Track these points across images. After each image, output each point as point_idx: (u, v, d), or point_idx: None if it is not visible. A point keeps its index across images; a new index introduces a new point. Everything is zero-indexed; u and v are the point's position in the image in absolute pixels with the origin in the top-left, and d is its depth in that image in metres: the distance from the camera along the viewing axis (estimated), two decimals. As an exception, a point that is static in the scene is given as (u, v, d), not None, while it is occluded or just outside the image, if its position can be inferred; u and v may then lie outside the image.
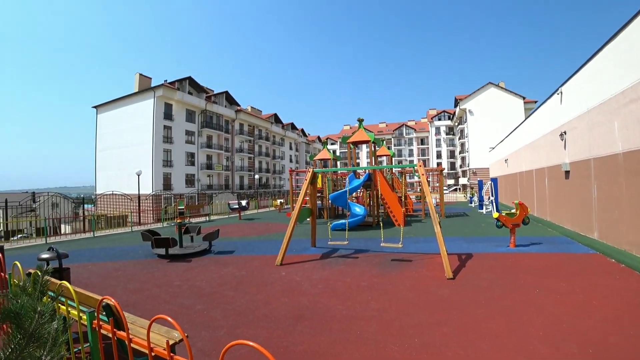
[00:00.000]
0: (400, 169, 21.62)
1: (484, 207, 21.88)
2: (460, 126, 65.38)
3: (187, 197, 40.81)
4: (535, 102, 53.55)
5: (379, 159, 20.57)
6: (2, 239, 15.31)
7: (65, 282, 2.75)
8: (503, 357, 3.64)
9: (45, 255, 4.83)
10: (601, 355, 3.60)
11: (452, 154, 77.16)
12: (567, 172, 11.65)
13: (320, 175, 19.36)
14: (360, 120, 16.66)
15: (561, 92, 12.05)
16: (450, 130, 77.70)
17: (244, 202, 23.03)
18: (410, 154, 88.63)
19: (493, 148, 33.31)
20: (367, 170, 15.40)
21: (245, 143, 56.28)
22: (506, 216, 9.71)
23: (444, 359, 3.66)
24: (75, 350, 3.30)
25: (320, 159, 21.97)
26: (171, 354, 1.77)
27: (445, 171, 70.48)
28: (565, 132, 11.74)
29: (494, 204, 18.67)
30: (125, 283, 7.14)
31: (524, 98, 54.10)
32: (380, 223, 10.53)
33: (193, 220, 21.07)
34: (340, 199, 14.30)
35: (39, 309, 1.41)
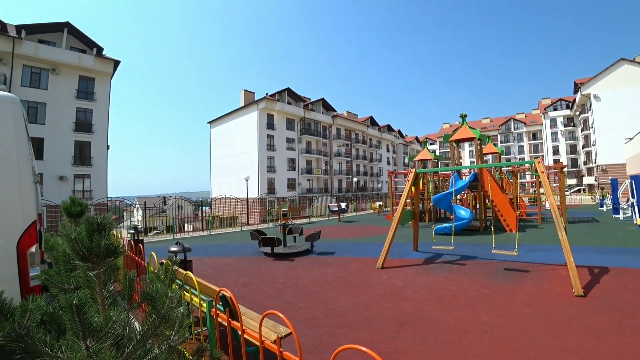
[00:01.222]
0: (511, 168, 19.38)
1: (621, 212, 18.30)
2: (582, 115, 54.73)
3: (289, 200, 43.21)
4: None
5: (485, 158, 18.83)
6: (143, 234, 18.17)
7: (189, 273, 3.07)
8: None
9: (173, 248, 5.53)
10: None
11: (572, 149, 66.07)
12: None
13: (421, 176, 18.58)
14: (464, 117, 15.52)
15: None
16: (569, 122, 66.05)
17: (343, 205, 23.38)
18: (520, 150, 78.27)
19: (631, 139, 27.87)
20: (472, 170, 14.23)
21: (342, 147, 57.30)
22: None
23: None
24: (195, 332, 3.67)
25: (421, 160, 21.09)
26: (281, 350, 1.80)
27: (566, 169, 60.72)
28: None
29: (636, 207, 15.51)
30: (236, 277, 7.79)
31: None
32: (491, 227, 9.57)
33: (295, 221, 22.14)
34: (443, 201, 13.49)
35: (169, 294, 1.56)
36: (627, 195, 17.33)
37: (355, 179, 49.97)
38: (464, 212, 13.84)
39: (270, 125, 44.10)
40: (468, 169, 14.69)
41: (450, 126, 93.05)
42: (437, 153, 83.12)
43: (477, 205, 15.62)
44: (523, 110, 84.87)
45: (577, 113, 58.70)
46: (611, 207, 20.63)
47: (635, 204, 15.67)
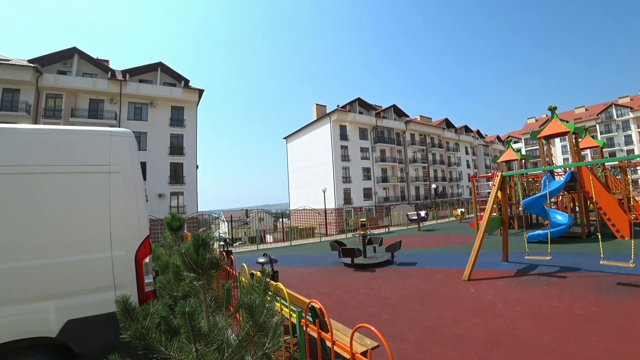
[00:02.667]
0: (618, 163, 16.74)
1: None
2: None
3: (366, 209, 43.01)
4: None
5: (582, 153, 16.62)
6: (232, 245, 19.59)
7: (280, 284, 3.24)
8: None
9: (262, 260, 5.87)
10: None
11: None
12: None
13: (508, 179, 17.14)
14: (553, 109, 13.96)
15: None
16: None
17: (422, 213, 22.55)
18: (628, 141, 65.62)
19: None
20: (569, 169, 12.74)
21: (417, 153, 55.56)
22: None
23: None
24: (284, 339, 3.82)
25: (505, 161, 19.45)
26: (371, 362, 1.80)
27: (695, 165, 50.43)
28: None
29: None
30: (318, 287, 7.95)
31: None
32: (598, 235, 8.43)
33: (373, 231, 21.93)
34: (535, 205, 12.26)
35: (267, 305, 1.68)
36: None
37: (433, 185, 47.97)
38: (560, 217, 12.40)
39: (343, 136, 44.64)
40: (563, 168, 13.12)
41: (536, 120, 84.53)
42: (523, 152, 75.98)
43: (577, 208, 13.88)
44: (627, 93, 71.54)
45: None
46: None
47: None
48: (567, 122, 13.63)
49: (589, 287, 6.62)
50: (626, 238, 8.41)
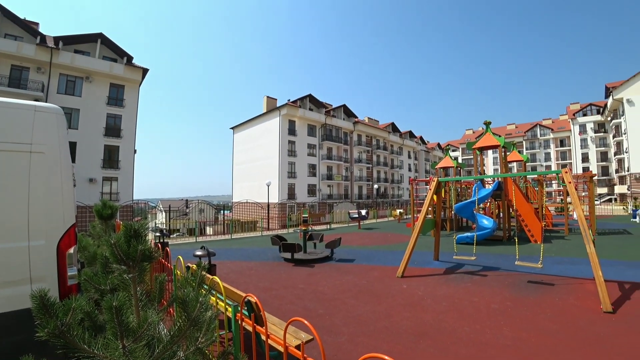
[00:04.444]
0: (537, 176, 18.84)
1: (656, 225, 17.49)
2: (614, 121, 52.48)
3: (309, 206, 43.37)
4: None
5: (509, 166, 18.41)
6: (169, 237, 18.67)
7: (216, 278, 3.18)
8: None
9: (199, 253, 5.69)
10: None
11: (603, 157, 63.23)
12: None
13: (444, 185, 18.32)
14: (488, 123, 15.24)
15: None
16: (600, 128, 63.21)
17: (363, 212, 23.29)
18: (547, 158, 75.53)
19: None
20: (496, 179, 13.95)
21: (363, 153, 57.17)
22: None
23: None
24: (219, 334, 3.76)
25: (443, 167, 20.81)
26: (305, 356, 1.85)
27: (596, 178, 58.33)
28: None
29: (672, 220, 14.79)
30: (257, 281, 7.90)
31: None
32: (515, 238, 9.35)
33: (315, 227, 22.21)
34: (465, 210, 13.26)
35: (200, 299, 1.65)
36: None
37: (375, 186, 49.75)
38: (486, 222, 13.55)
39: (291, 131, 44.55)
40: (492, 178, 14.38)
41: (473, 132, 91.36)
42: (460, 160, 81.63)
43: (501, 214, 15.26)
44: (550, 115, 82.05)
45: (609, 118, 56.37)
46: (645, 219, 19.70)
47: (671, 216, 14.95)
48: (499, 136, 14.91)
49: (505, 284, 7.34)
50: (538, 242, 9.44)
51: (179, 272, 4.20)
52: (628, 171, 46.60)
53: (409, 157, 72.98)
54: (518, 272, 8.38)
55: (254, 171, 46.03)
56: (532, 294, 6.62)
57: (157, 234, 9.69)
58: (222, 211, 39.83)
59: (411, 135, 73.29)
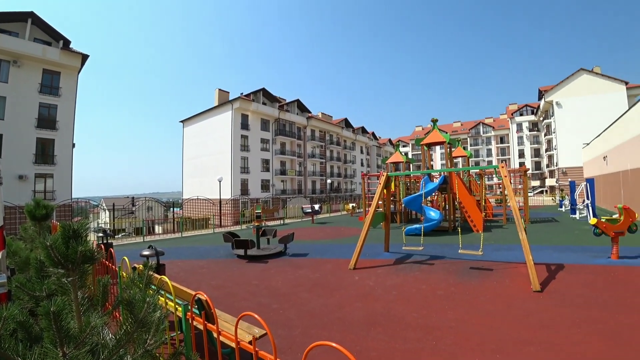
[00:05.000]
0: (478, 171, 20.22)
1: (577, 212, 19.46)
2: (546, 121, 58.32)
3: (262, 201, 42.93)
4: None
5: (455, 161, 19.55)
6: (112, 237, 17.59)
7: (164, 277, 3.08)
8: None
9: (146, 252, 5.45)
10: None
11: (536, 153, 70.01)
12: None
13: (393, 179, 18.99)
14: (435, 121, 16.01)
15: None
16: (534, 127, 70.23)
17: (316, 207, 23.49)
18: (489, 154, 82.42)
19: (587, 144, 29.72)
20: (442, 173, 14.73)
21: (316, 148, 57.52)
22: (607, 222, 8.52)
23: (535, 378, 3.33)
24: (170, 336, 3.66)
25: (393, 162, 21.54)
26: (256, 349, 1.87)
27: (530, 172, 64.02)
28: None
29: (590, 208, 16.55)
30: (209, 280, 7.74)
31: (626, 83, 45.95)
32: (459, 229, 9.97)
33: (268, 223, 22.06)
34: (414, 203, 13.87)
35: (147, 299, 1.61)
36: (583, 197, 18.46)
37: (329, 181, 50.32)
38: (433, 214, 14.28)
39: (244, 125, 43.66)
40: (438, 172, 15.17)
41: (423, 129, 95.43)
42: (410, 155, 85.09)
43: (447, 206, 16.15)
44: (492, 115, 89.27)
45: (541, 118, 61.97)
46: (569, 207, 21.85)
47: (589, 204, 16.72)
48: (445, 133, 15.72)
49: (450, 271, 7.82)
50: (480, 231, 10.13)
51: (124, 274, 4.01)
52: (557, 166, 51.44)
53: (362, 152, 74.64)
54: (462, 260, 8.97)
55: (206, 166, 44.54)
56: (474, 279, 7.12)
57: (100, 234, 9.12)
58: (171, 209, 38.20)
59: (364, 131, 74.98)
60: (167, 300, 3.19)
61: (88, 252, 1.66)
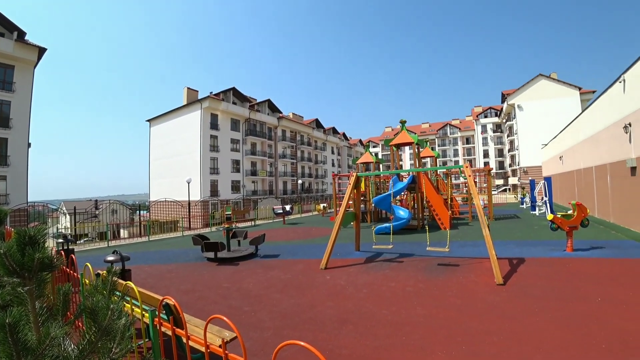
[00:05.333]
0: (445, 170, 20.90)
1: (537, 209, 20.56)
2: (508, 123, 61.70)
3: (233, 202, 42.30)
4: (594, 92, 48.76)
5: (423, 161, 20.12)
6: (73, 243, 16.74)
7: (130, 283, 2.99)
8: (563, 368, 3.42)
9: (111, 258, 5.25)
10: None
11: (500, 153, 73.54)
12: (632, 169, 10.73)
13: (363, 179, 19.25)
14: (403, 122, 16.40)
15: (624, 80, 11.13)
16: (497, 128, 74.04)
17: (288, 207, 23.42)
18: (456, 154, 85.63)
19: (546, 145, 31.39)
20: (411, 173, 15.10)
21: (287, 149, 57.34)
22: (562, 218, 9.07)
23: (497, 368, 3.50)
24: (137, 344, 3.55)
25: (363, 163, 21.82)
26: (226, 352, 1.86)
27: (494, 171, 67.23)
28: (630, 124, 10.82)
29: (548, 205, 17.50)
30: (178, 284, 7.55)
31: (579, 89, 49.40)
32: (426, 227, 10.26)
33: (239, 225, 21.78)
34: (383, 202, 14.15)
35: (111, 306, 1.56)
36: (542, 194, 19.51)
37: (300, 181, 50.33)
38: (402, 213, 14.61)
39: (214, 125, 42.86)
40: (407, 172, 15.54)
41: (392, 130, 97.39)
42: (380, 156, 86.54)
43: (415, 205, 16.56)
44: (459, 116, 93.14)
45: (504, 120, 65.37)
46: (529, 204, 23.02)
47: (547, 201, 17.68)
48: (414, 134, 16.14)
49: (419, 268, 8.04)
50: (447, 229, 10.50)
51: (87, 281, 3.85)
52: (518, 165, 54.48)
53: (333, 152, 75.17)
54: (430, 257, 9.24)
55: (174, 167, 43.30)
56: (441, 275, 7.36)
57: (60, 240, 8.66)
58: (138, 211, 36.85)
59: (335, 131, 75.54)
60: (133, 307, 3.09)
61: (46, 259, 1.59)
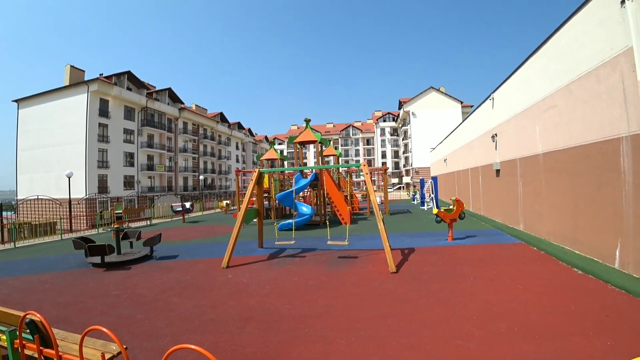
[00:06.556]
0: (346, 169, 22.10)
1: (426, 204, 23.12)
2: (404, 127, 68.36)
3: (125, 200, 38.38)
4: (472, 106, 57.43)
5: (326, 159, 20.94)
6: None
7: (-19, 299, 2.49)
8: (442, 342, 3.94)
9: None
10: (524, 331, 4.07)
11: (396, 154, 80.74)
12: (497, 171, 12.75)
13: (267, 175, 19.18)
14: (308, 121, 16.80)
15: (493, 98, 13.16)
16: (394, 132, 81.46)
17: (188, 204, 22.12)
18: (357, 154, 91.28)
19: (433, 149, 35.33)
20: (314, 170, 15.56)
21: (189, 142, 54.12)
22: (444, 212, 10.37)
23: (389, 348, 3.85)
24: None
25: (268, 159, 21.75)
26: (107, 368, 1.68)
27: (390, 170, 73.91)
28: (496, 135, 12.83)
29: (435, 201, 19.78)
30: (54, 297, 6.53)
31: (461, 102, 57.88)
32: (327, 222, 10.71)
33: (132, 225, 19.86)
34: (287, 199, 14.32)
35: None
36: (429, 192, 21.98)
37: (202, 177, 48.00)
38: (305, 209, 15.00)
39: (103, 112, 38.02)
40: (310, 169, 15.97)
41: (298, 128, 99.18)
42: (285, 153, 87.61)
43: (318, 202, 17.14)
44: (361, 119, 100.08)
45: (400, 125, 72.52)
46: (420, 200, 25.72)
47: (434, 198, 19.96)
48: (318, 132, 16.63)
49: (321, 262, 8.36)
50: (347, 224, 11.12)
51: None
52: (411, 166, 61.08)
53: (237, 148, 73.40)
54: (331, 251, 9.67)
55: (50, 159, 37.06)
56: (341, 267, 7.78)
57: None
58: None
59: (240, 126, 73.84)
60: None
61: None
